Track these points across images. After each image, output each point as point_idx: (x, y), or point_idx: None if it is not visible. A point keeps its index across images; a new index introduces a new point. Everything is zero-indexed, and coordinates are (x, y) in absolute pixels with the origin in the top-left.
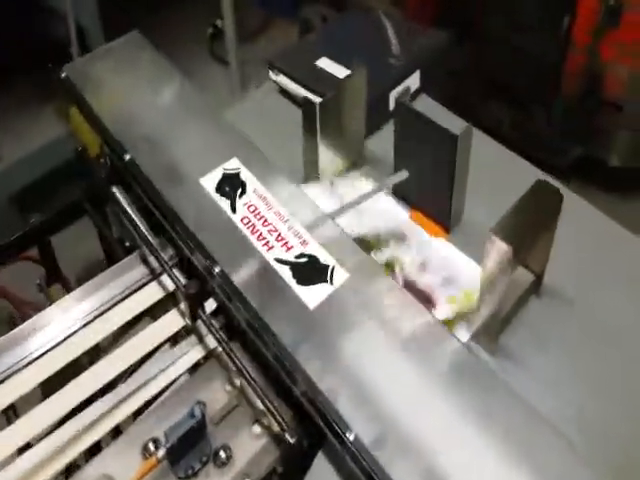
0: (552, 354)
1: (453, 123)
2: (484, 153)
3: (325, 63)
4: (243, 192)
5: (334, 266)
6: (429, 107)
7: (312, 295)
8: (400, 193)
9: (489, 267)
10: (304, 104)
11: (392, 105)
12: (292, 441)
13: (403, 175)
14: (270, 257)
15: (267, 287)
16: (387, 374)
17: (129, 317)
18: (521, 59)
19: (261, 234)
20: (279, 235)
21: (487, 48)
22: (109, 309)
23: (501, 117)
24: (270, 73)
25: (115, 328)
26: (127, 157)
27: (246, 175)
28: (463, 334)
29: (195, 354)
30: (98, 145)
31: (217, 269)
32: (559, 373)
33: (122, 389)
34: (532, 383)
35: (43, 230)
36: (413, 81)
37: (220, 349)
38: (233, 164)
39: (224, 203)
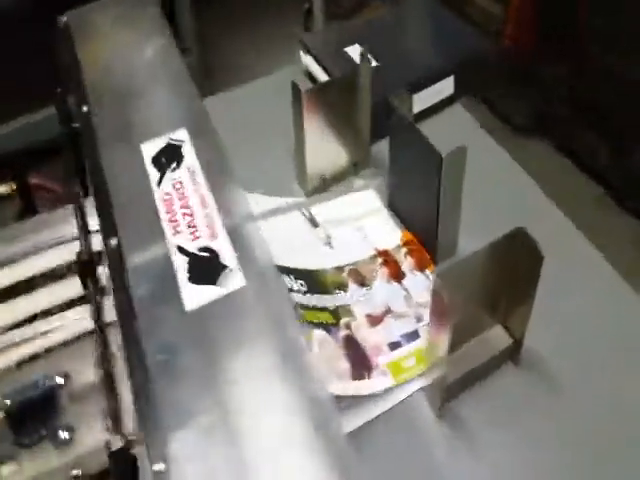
0: (509, 436)
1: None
2: (507, 180)
3: (355, 51)
4: (177, 166)
5: (232, 269)
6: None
7: (195, 295)
8: (394, 210)
9: (432, 320)
10: (292, 88)
11: (417, 108)
12: (117, 446)
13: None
14: (173, 242)
15: (155, 275)
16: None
17: (29, 274)
18: (627, 88)
19: (175, 215)
20: (192, 221)
21: (587, 72)
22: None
23: (595, 148)
24: (301, 52)
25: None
26: (84, 109)
27: (188, 149)
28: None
29: (82, 325)
30: None
31: (114, 242)
32: (508, 460)
33: None
34: (471, 461)
35: (20, 164)
36: (444, 86)
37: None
38: (180, 135)
39: (154, 173)
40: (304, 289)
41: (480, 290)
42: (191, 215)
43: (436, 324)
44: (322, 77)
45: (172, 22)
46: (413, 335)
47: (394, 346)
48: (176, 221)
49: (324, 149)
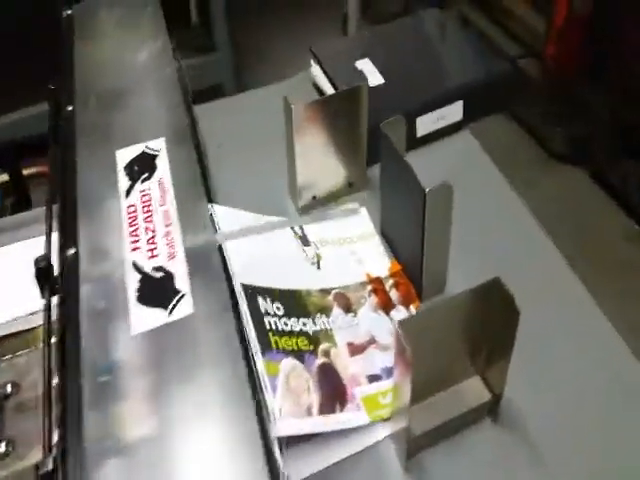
0: None
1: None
2: (507, 216)
3: (365, 65)
4: (149, 177)
5: (184, 295)
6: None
7: (142, 319)
8: (385, 237)
9: (396, 366)
10: (284, 102)
11: (420, 132)
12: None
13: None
14: (130, 258)
15: (107, 291)
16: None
17: None
18: None
19: (137, 229)
20: (153, 237)
21: (632, 96)
22: None
23: (628, 175)
24: (312, 61)
25: None
26: (69, 107)
27: (162, 160)
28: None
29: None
30: None
31: (71, 251)
32: None
33: None
34: None
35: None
36: (452, 111)
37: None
38: (157, 144)
39: (124, 182)
40: (281, 313)
41: (456, 339)
42: (153, 231)
43: (400, 372)
44: (328, 89)
45: (207, 20)
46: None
47: (373, 379)
48: (137, 236)
49: (316, 167)
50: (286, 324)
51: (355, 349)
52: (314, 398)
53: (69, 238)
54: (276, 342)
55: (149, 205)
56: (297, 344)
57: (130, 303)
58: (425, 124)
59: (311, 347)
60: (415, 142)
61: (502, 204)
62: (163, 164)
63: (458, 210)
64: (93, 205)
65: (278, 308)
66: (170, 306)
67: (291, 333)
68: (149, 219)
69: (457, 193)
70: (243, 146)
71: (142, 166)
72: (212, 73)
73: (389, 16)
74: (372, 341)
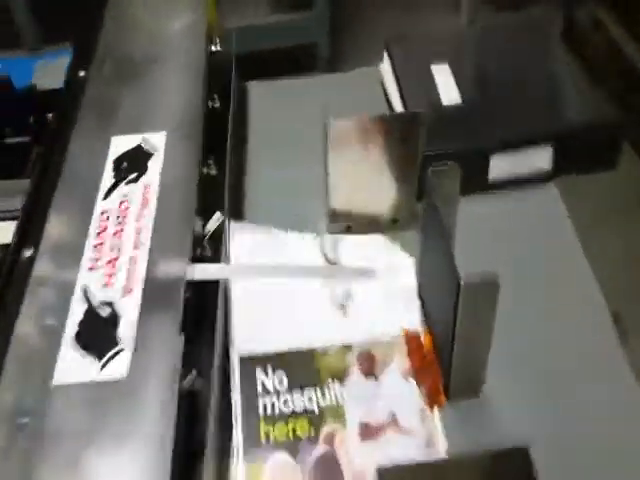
0: None
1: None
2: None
3: (442, 74)
4: (135, 179)
5: (123, 350)
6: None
7: (70, 366)
8: (421, 299)
9: None
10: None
11: (493, 174)
12: None
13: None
14: (83, 280)
15: (45, 313)
16: None
17: None
18: None
19: (102, 245)
20: (115, 259)
21: None
22: None
23: None
24: (384, 54)
25: None
26: (81, 73)
27: (156, 163)
28: None
29: None
30: None
31: (27, 253)
32: None
33: None
34: None
35: None
36: (538, 157)
37: None
38: (156, 140)
39: (107, 180)
40: (283, 387)
41: None
42: (119, 250)
43: None
44: (393, 90)
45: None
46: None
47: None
48: (100, 252)
49: (354, 194)
50: (286, 403)
51: (369, 432)
52: None
53: (31, 236)
54: (267, 433)
55: (125, 216)
56: (294, 431)
57: (64, 339)
58: (500, 166)
59: (312, 432)
60: (485, 184)
61: (581, 292)
62: (155, 167)
63: (517, 289)
64: (68, 200)
65: (280, 381)
66: (104, 359)
67: (290, 416)
68: (119, 234)
69: (521, 265)
70: (288, 141)
71: (132, 163)
72: (307, 31)
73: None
74: (392, 421)
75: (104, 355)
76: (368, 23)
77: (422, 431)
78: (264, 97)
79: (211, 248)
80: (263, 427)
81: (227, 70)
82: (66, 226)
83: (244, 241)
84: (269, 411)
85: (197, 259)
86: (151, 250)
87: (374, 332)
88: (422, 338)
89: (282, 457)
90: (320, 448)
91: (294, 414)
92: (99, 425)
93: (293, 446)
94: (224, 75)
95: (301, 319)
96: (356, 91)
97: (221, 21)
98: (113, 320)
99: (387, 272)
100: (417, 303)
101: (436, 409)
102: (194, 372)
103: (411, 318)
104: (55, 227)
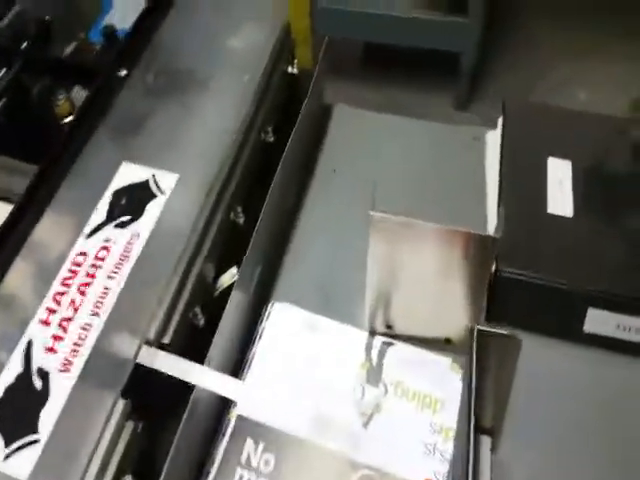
0: None
1: None
2: None
3: (558, 170)
4: (127, 223)
5: (37, 442)
6: None
7: None
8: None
9: None
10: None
11: (588, 327)
12: None
13: None
14: (31, 332)
15: None
16: None
17: None
18: None
19: (65, 295)
20: (69, 320)
21: None
22: None
23: None
24: (499, 120)
25: None
26: (123, 72)
27: (154, 210)
28: None
29: None
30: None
31: None
32: None
33: None
34: None
35: None
36: None
37: None
38: (166, 181)
39: (99, 214)
40: (265, 470)
41: None
42: (76, 309)
43: None
44: (494, 172)
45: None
46: None
47: None
48: (58, 304)
49: (396, 300)
50: None
51: None
52: None
53: (1, 255)
54: None
55: (99, 266)
56: None
57: None
58: (598, 323)
59: None
60: (578, 335)
61: None
62: (153, 214)
63: None
64: (55, 222)
65: (267, 463)
66: (12, 447)
67: None
68: (85, 288)
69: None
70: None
71: (131, 202)
72: (453, 38)
73: None
74: None
75: (15, 440)
76: (519, 59)
77: None
78: (345, 126)
79: (209, 311)
80: None
81: (301, 94)
82: (43, 253)
83: (281, 321)
84: None
85: (188, 324)
86: (107, 324)
87: (390, 463)
88: None
89: None
90: None
91: None
92: None
93: None
94: (296, 100)
95: (317, 407)
96: (453, 152)
97: (318, 32)
98: (42, 399)
99: (429, 401)
100: (451, 453)
101: None
102: (130, 477)
103: (439, 468)
104: (33, 250)
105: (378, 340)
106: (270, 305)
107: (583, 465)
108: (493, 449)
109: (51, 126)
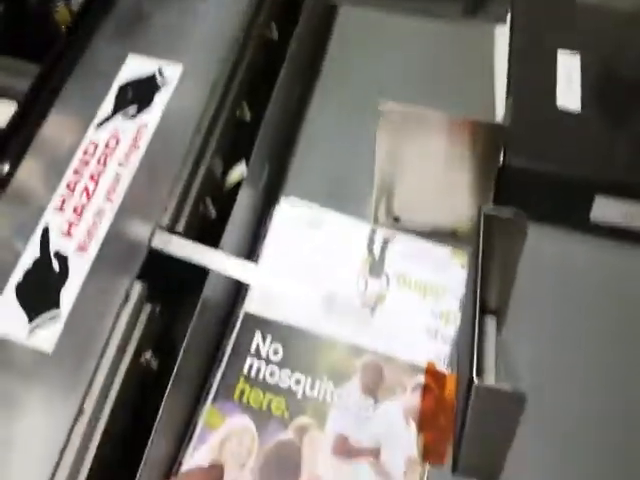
0: None
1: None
2: None
3: (568, 64)
4: (135, 114)
5: (57, 317)
6: None
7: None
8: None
9: None
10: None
11: (595, 216)
12: None
13: None
14: (46, 219)
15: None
16: None
17: None
18: None
19: (78, 183)
20: (83, 207)
21: None
22: None
23: None
24: (508, 16)
25: None
26: None
27: (161, 99)
28: None
29: None
30: None
31: (4, 168)
32: None
33: None
34: None
35: None
36: None
37: None
38: (171, 72)
39: (107, 105)
40: (275, 359)
41: None
42: (89, 196)
43: None
44: (502, 66)
45: None
46: None
47: None
48: (72, 191)
49: (403, 192)
50: (272, 375)
51: (345, 449)
52: (243, 479)
53: (12, 150)
54: (242, 392)
55: (110, 155)
56: (269, 405)
57: (7, 286)
58: (604, 212)
59: (285, 415)
60: (586, 224)
61: None
62: (160, 103)
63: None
64: (65, 115)
65: (275, 351)
66: (35, 321)
67: (270, 388)
68: (96, 176)
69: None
70: (362, 91)
71: (138, 94)
72: None
73: None
74: (373, 452)
75: (37, 315)
76: None
77: None
78: (352, 28)
79: (219, 205)
80: (241, 385)
81: None
82: (53, 146)
83: (287, 214)
84: (253, 374)
85: (200, 215)
86: (120, 209)
87: (394, 348)
88: (447, 380)
89: (245, 422)
90: (287, 434)
91: (275, 388)
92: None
93: (261, 418)
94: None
95: (322, 297)
96: (461, 48)
97: None
98: (60, 277)
99: (431, 289)
100: (452, 335)
101: (427, 467)
102: (149, 353)
103: (441, 351)
104: (43, 144)
105: (381, 233)
106: (278, 201)
107: (587, 343)
108: (498, 329)
109: (51, 32)
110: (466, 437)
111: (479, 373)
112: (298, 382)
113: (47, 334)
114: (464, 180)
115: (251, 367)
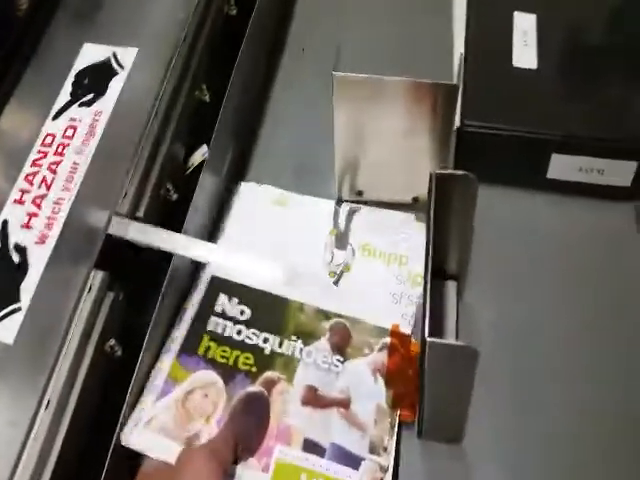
0: None
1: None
2: None
3: (523, 24)
4: (91, 101)
5: (18, 310)
6: None
7: None
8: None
9: None
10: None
11: (551, 173)
12: None
13: None
14: (5, 213)
15: None
16: None
17: None
18: None
19: (36, 174)
20: (43, 197)
21: None
22: None
23: None
24: None
25: None
26: None
27: (117, 85)
28: None
29: None
30: None
31: None
32: None
33: None
34: None
35: None
36: (615, 169)
37: None
38: (127, 55)
39: (63, 96)
40: (242, 318)
41: None
42: (48, 187)
43: None
44: (460, 28)
45: None
46: (349, 459)
47: (312, 448)
48: (31, 184)
49: (363, 161)
50: (239, 333)
51: (314, 399)
52: (209, 430)
53: None
54: (207, 349)
55: (67, 144)
56: (235, 360)
57: None
58: (561, 168)
59: (253, 369)
60: (543, 182)
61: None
62: (116, 89)
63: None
64: (22, 108)
65: (242, 312)
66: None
67: (237, 345)
68: (55, 166)
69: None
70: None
71: (93, 81)
72: None
73: None
74: (344, 403)
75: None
76: None
77: (372, 432)
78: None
79: (181, 189)
80: (205, 341)
81: None
82: (12, 139)
83: (252, 198)
84: (219, 331)
85: (161, 199)
86: (78, 197)
87: (360, 312)
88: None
89: (210, 376)
90: (255, 387)
91: (242, 345)
92: None
93: (228, 373)
94: None
95: (290, 268)
96: (419, 13)
97: None
98: (20, 270)
99: (394, 256)
100: (418, 296)
101: (397, 420)
102: (113, 340)
103: (406, 312)
104: (1, 137)
105: (345, 207)
106: (240, 184)
107: (548, 302)
108: (459, 293)
109: (7, 15)
110: (426, 397)
111: (433, 333)
112: (266, 340)
113: (7, 326)
114: (423, 146)
115: (217, 325)
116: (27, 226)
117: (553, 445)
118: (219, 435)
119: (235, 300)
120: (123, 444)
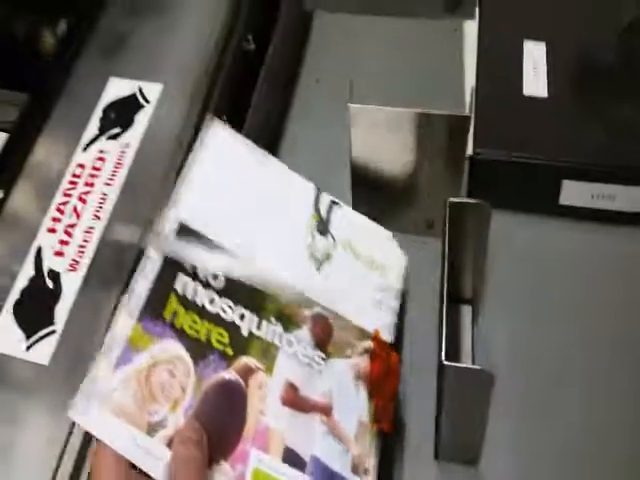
0: None
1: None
2: None
3: (534, 52)
4: (119, 134)
5: (53, 332)
6: None
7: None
8: None
9: None
10: (350, 95)
11: (564, 199)
12: None
13: None
14: (39, 241)
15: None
16: None
17: None
18: None
19: (67, 203)
20: (74, 226)
21: None
22: None
23: None
24: (476, 10)
25: None
26: None
27: (144, 118)
28: None
29: None
30: None
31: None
32: None
33: None
34: None
35: None
36: (629, 196)
37: None
38: (151, 90)
39: (92, 128)
40: (215, 284)
41: None
42: (79, 216)
43: None
44: (472, 59)
45: None
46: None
47: (292, 459)
48: (62, 213)
49: (378, 186)
50: (212, 302)
51: (295, 400)
52: (175, 420)
53: (5, 176)
54: (175, 314)
55: (97, 175)
56: (208, 335)
57: (5, 305)
58: (573, 194)
59: (229, 350)
60: (555, 208)
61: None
62: (142, 123)
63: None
64: (54, 140)
65: (215, 277)
66: (33, 338)
67: (209, 316)
68: (85, 196)
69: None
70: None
71: (120, 115)
72: None
73: None
74: (326, 410)
75: (34, 333)
76: None
77: (353, 449)
78: (326, 32)
79: None
80: (173, 304)
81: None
82: (43, 170)
83: (221, 146)
84: (188, 294)
85: None
86: (108, 226)
87: (342, 309)
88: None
89: (178, 349)
90: (230, 375)
91: (215, 318)
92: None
93: (199, 350)
94: (275, 8)
95: (262, 242)
96: (431, 45)
97: None
98: (54, 295)
99: (377, 265)
100: (396, 308)
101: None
102: None
103: (386, 320)
104: (34, 169)
105: (327, 196)
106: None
107: (562, 326)
108: (474, 319)
109: (37, 61)
110: (443, 420)
111: (449, 357)
112: (242, 317)
113: (43, 348)
114: (437, 173)
115: (185, 286)
116: (60, 253)
117: (570, 466)
118: (187, 426)
119: (208, 257)
120: (70, 416)
